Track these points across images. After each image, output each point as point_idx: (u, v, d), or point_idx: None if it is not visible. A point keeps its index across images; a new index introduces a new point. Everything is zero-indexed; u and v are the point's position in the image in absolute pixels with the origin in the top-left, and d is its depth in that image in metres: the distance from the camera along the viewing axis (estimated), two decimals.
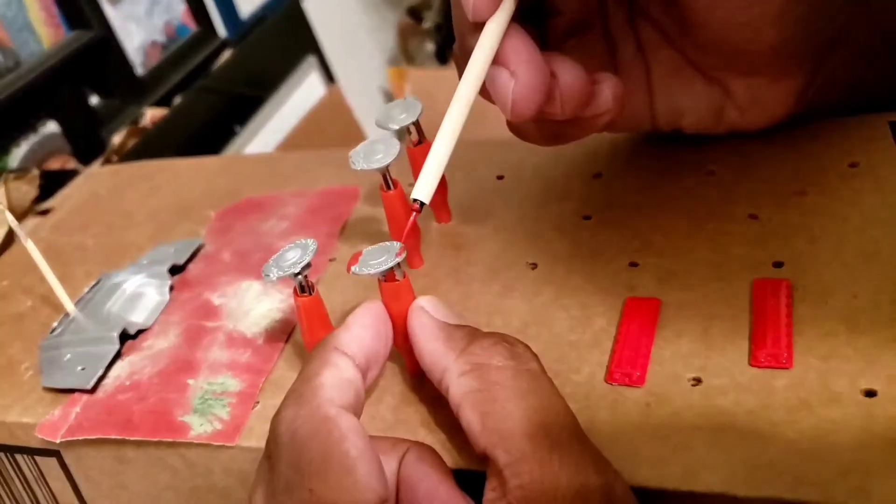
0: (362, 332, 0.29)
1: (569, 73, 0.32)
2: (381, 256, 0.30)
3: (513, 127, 0.36)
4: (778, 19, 0.32)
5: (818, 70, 0.36)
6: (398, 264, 0.30)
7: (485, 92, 0.32)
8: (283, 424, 0.26)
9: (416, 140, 0.37)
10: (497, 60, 0.31)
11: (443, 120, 0.31)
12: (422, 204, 0.30)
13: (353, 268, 0.30)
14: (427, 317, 0.30)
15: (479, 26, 0.31)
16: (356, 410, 0.27)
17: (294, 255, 0.31)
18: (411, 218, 0.31)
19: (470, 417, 0.26)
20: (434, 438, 0.30)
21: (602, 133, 0.45)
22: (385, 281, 0.30)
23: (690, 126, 0.40)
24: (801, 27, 0.33)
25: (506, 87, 0.30)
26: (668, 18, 0.36)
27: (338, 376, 0.27)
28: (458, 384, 0.27)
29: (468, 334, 0.28)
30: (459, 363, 0.27)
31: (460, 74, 0.33)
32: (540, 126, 0.35)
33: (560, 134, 0.36)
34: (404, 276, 0.30)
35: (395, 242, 0.30)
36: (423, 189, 0.30)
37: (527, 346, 0.28)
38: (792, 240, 0.34)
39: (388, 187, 0.36)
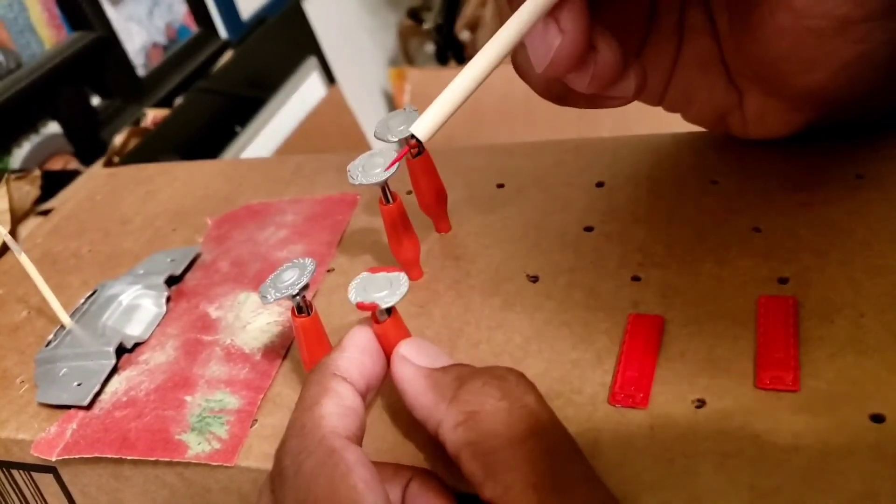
0: (360, 355, 0.29)
1: (609, 52, 0.31)
2: (382, 288, 0.29)
3: (519, 67, 0.35)
4: (838, 69, 0.31)
5: (831, 111, 0.36)
6: None
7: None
8: (288, 457, 0.25)
9: (416, 151, 0.37)
10: (551, 12, 0.29)
11: (475, 55, 0.29)
12: (418, 141, 0.28)
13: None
14: (410, 368, 0.28)
15: None
16: (359, 438, 0.27)
17: (291, 276, 0.30)
18: (402, 152, 0.29)
19: (471, 469, 0.25)
20: (438, 460, 0.29)
21: (602, 138, 0.44)
22: (379, 321, 0.29)
23: (691, 117, 0.39)
24: (849, 85, 0.32)
25: (550, 43, 0.29)
26: (727, 14, 0.34)
27: (339, 404, 0.27)
28: (453, 436, 0.25)
29: (456, 378, 0.27)
30: (452, 413, 0.26)
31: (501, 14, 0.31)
32: (551, 83, 0.34)
33: (566, 98, 0.35)
34: (394, 312, 0.29)
35: (398, 273, 0.29)
36: (425, 124, 0.28)
37: (520, 377, 0.26)
38: (797, 253, 0.33)
39: (388, 201, 0.35)
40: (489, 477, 0.24)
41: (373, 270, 0.30)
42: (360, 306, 0.28)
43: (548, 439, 0.25)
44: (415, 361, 0.28)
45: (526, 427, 0.25)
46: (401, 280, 0.29)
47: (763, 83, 0.35)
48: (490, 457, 0.24)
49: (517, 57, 0.35)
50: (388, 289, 0.29)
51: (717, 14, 0.35)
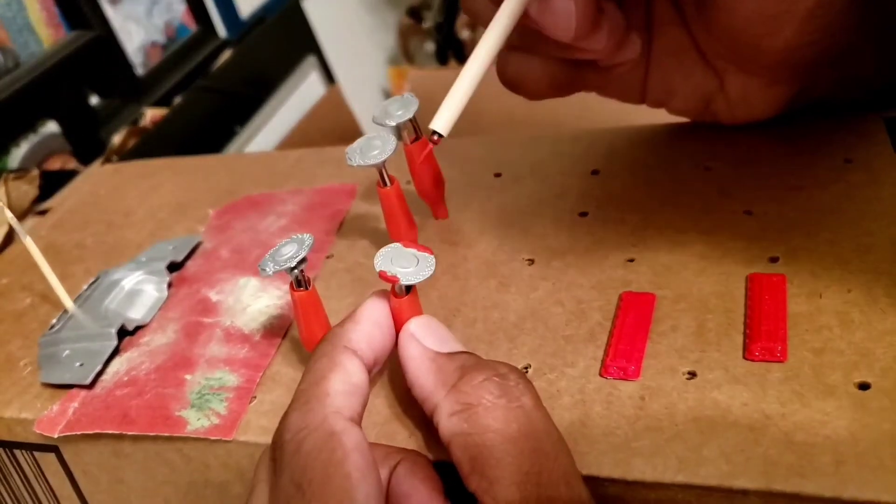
0: (372, 328, 0.29)
1: (613, 9, 0.33)
2: (409, 264, 0.28)
3: (510, 82, 0.36)
4: (803, 21, 0.32)
5: (809, 84, 0.37)
6: None
7: (525, 17, 0.31)
8: (290, 432, 0.26)
9: (413, 136, 0.37)
10: None
11: (479, 42, 0.30)
12: (439, 136, 0.28)
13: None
14: (417, 347, 0.28)
15: None
16: (361, 416, 0.27)
17: (290, 250, 0.31)
18: (426, 150, 0.30)
19: (459, 458, 0.25)
20: (430, 436, 0.29)
21: (599, 130, 0.45)
22: (397, 296, 0.29)
23: (676, 108, 0.40)
24: (817, 37, 0.33)
25: (569, 9, 0.30)
26: None
27: (346, 381, 0.27)
28: (447, 424, 0.26)
29: (459, 367, 0.27)
30: (449, 401, 0.26)
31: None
32: (557, 72, 0.35)
33: (573, 81, 0.36)
34: (414, 290, 0.29)
35: (428, 254, 0.29)
36: (443, 118, 0.28)
37: (521, 377, 0.27)
38: (787, 234, 0.34)
39: (385, 184, 0.36)
40: (475, 470, 0.25)
41: (405, 244, 0.30)
42: (382, 276, 0.28)
43: (537, 441, 0.25)
44: (423, 341, 0.29)
45: (518, 427, 0.25)
46: (429, 261, 0.29)
47: (738, 57, 0.35)
48: (479, 450, 0.25)
49: (507, 72, 0.36)
50: (414, 265, 0.29)
51: (683, 3, 0.36)
